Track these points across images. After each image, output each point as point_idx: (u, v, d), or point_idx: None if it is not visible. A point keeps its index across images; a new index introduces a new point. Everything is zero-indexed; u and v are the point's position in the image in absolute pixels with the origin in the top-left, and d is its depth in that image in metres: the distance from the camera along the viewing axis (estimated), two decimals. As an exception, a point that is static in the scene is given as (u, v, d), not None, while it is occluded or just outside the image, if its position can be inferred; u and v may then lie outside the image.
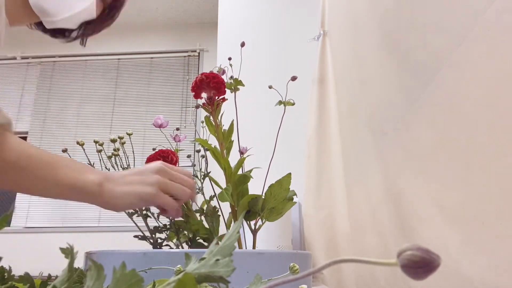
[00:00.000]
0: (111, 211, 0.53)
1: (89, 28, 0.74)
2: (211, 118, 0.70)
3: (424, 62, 0.55)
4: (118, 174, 0.53)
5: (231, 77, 0.74)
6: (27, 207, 2.98)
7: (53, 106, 3.26)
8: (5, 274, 0.40)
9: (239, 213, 0.68)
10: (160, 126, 0.76)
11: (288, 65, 1.64)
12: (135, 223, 0.70)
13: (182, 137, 0.78)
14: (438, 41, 0.52)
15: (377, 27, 0.74)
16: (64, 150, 0.74)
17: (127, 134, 0.76)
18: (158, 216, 0.74)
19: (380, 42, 0.72)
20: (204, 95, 0.69)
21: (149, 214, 0.73)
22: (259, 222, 0.69)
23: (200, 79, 0.66)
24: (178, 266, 0.33)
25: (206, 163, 0.78)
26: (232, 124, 0.71)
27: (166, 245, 0.72)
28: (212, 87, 0.67)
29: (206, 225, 0.73)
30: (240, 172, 0.69)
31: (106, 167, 0.72)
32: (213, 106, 0.68)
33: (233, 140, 0.71)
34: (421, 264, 0.18)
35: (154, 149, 0.74)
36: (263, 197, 0.67)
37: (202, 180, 0.77)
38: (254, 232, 0.69)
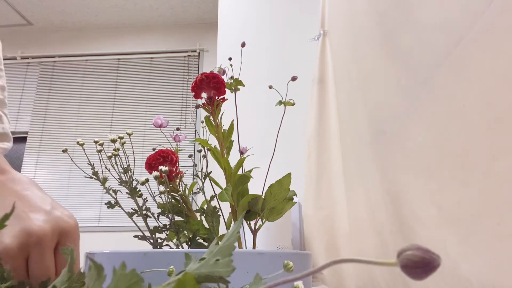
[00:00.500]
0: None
1: None
2: (211, 118, 0.70)
3: (423, 61, 0.55)
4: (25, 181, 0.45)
5: (231, 77, 0.74)
6: (27, 207, 2.98)
7: (53, 106, 3.26)
8: (5, 274, 0.40)
9: (239, 213, 0.68)
10: (160, 126, 0.76)
11: (288, 65, 1.64)
12: (135, 223, 0.70)
13: (182, 137, 0.78)
14: (437, 41, 0.52)
15: (376, 27, 0.74)
16: (64, 150, 0.74)
17: (127, 134, 0.76)
18: (158, 216, 0.74)
19: (379, 42, 0.72)
20: (204, 95, 0.69)
21: (149, 214, 0.73)
22: (259, 222, 0.69)
23: (200, 79, 0.66)
24: (171, 267, 0.33)
25: (207, 163, 0.78)
26: (232, 124, 0.71)
27: (166, 245, 0.72)
28: (212, 87, 0.67)
29: (206, 225, 0.73)
30: (240, 172, 0.69)
31: (106, 167, 0.72)
32: (213, 106, 0.68)
33: (233, 140, 0.71)
34: (421, 264, 0.18)
35: (154, 149, 0.74)
36: (263, 197, 0.67)
37: (203, 180, 0.77)
38: (254, 232, 0.69)
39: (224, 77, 0.71)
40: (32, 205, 0.42)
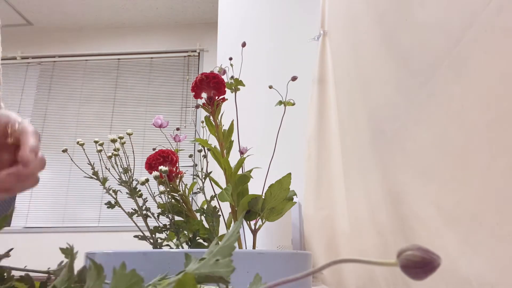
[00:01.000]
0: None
1: None
2: (211, 118, 0.70)
3: (422, 61, 0.55)
4: None
5: (232, 77, 0.74)
6: (27, 207, 2.98)
7: (53, 106, 3.26)
8: (5, 274, 0.40)
9: (239, 213, 0.68)
10: (160, 126, 0.76)
11: (288, 65, 1.64)
12: (135, 223, 0.70)
13: (182, 137, 0.78)
14: (436, 41, 0.52)
15: (376, 27, 0.74)
16: (64, 150, 0.74)
17: (127, 134, 0.76)
18: (158, 216, 0.74)
19: (379, 42, 0.72)
20: (204, 95, 0.69)
21: (149, 214, 0.73)
22: (259, 222, 0.69)
23: (200, 79, 0.66)
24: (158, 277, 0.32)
25: (207, 163, 0.78)
26: (232, 124, 0.71)
27: (166, 245, 0.72)
28: (212, 87, 0.67)
29: (206, 225, 0.73)
30: (240, 172, 0.69)
31: (106, 167, 0.72)
32: (213, 106, 0.68)
33: (233, 140, 0.71)
34: (421, 264, 0.18)
35: (154, 149, 0.74)
36: (263, 197, 0.67)
37: (203, 180, 0.77)
38: (254, 232, 0.69)
39: (224, 77, 0.71)
40: None
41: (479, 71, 0.43)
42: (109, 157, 0.71)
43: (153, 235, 0.72)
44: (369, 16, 0.79)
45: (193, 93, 0.68)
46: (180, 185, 0.72)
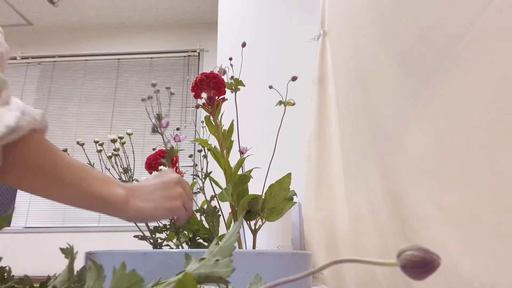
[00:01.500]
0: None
1: None
2: (211, 118, 0.70)
3: (423, 61, 0.55)
4: (143, 189, 0.54)
5: (232, 77, 0.74)
6: (27, 207, 2.99)
7: (53, 106, 3.26)
8: (5, 274, 0.40)
9: (239, 213, 0.68)
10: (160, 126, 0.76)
11: (288, 65, 1.64)
12: (135, 223, 0.70)
13: (182, 137, 0.78)
14: (437, 41, 0.52)
15: (376, 26, 0.74)
16: (64, 150, 0.73)
17: (127, 134, 0.76)
18: (158, 216, 0.74)
19: (379, 42, 0.72)
20: (204, 95, 0.69)
21: (149, 214, 0.73)
22: (259, 222, 0.69)
23: (200, 79, 0.66)
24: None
25: (207, 163, 0.78)
26: (232, 124, 0.71)
27: (166, 245, 0.72)
28: (212, 87, 0.67)
29: (206, 225, 0.73)
30: (240, 172, 0.69)
31: (106, 167, 0.72)
32: (213, 106, 0.68)
33: (233, 140, 0.71)
34: (421, 264, 0.18)
35: (154, 149, 0.74)
36: (263, 197, 0.67)
37: (203, 180, 0.77)
38: (254, 232, 0.69)
39: (224, 77, 0.71)
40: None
41: (480, 70, 0.43)
42: (109, 157, 0.71)
43: (153, 235, 0.72)
44: (369, 16, 0.78)
45: (193, 93, 0.68)
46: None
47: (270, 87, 0.78)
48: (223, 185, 0.69)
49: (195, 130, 2.73)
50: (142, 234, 0.71)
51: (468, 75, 0.45)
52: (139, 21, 3.43)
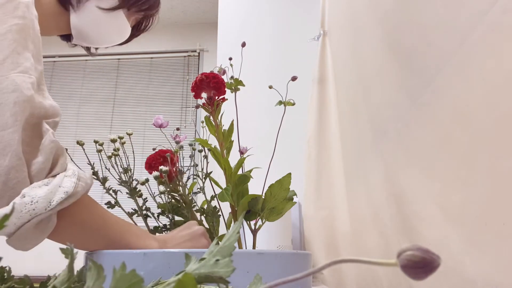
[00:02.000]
0: None
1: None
2: (211, 118, 0.70)
3: (426, 61, 0.55)
4: (173, 241, 0.60)
5: (231, 77, 0.74)
6: (27, 207, 2.98)
7: (53, 106, 3.25)
8: (5, 274, 0.40)
9: (239, 213, 0.68)
10: (160, 126, 0.76)
11: (288, 65, 1.64)
12: (135, 223, 0.70)
13: (182, 137, 0.78)
14: (440, 41, 0.52)
15: (377, 26, 0.74)
16: (64, 150, 0.73)
17: (127, 134, 0.76)
18: (158, 216, 0.74)
19: (381, 42, 0.72)
20: (204, 95, 0.69)
21: (149, 214, 0.73)
22: (259, 222, 0.69)
23: (200, 79, 0.66)
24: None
25: (207, 163, 0.78)
26: (232, 124, 0.71)
27: (166, 245, 0.72)
28: (212, 87, 0.67)
29: (206, 225, 0.73)
30: (240, 172, 0.69)
31: (106, 167, 0.72)
32: (213, 106, 0.68)
33: (233, 140, 0.71)
34: (421, 264, 0.18)
35: (154, 149, 0.74)
36: (263, 197, 0.67)
37: (203, 180, 0.77)
38: (254, 232, 0.69)
39: (224, 77, 0.71)
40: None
41: (484, 70, 0.42)
42: (109, 157, 0.71)
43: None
44: (370, 15, 0.78)
45: (193, 93, 0.68)
46: (180, 185, 0.72)
47: (270, 87, 0.78)
48: (223, 185, 0.69)
49: (195, 130, 2.73)
50: (142, 234, 0.71)
51: (472, 75, 0.44)
52: (139, 21, 3.43)
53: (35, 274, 0.62)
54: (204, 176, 0.76)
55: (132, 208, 0.73)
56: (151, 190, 0.74)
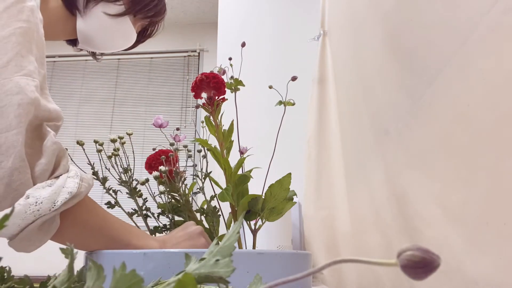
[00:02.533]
0: None
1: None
2: (211, 118, 0.70)
3: (427, 61, 0.55)
4: (172, 240, 0.61)
5: (231, 77, 0.74)
6: (27, 207, 2.98)
7: (53, 106, 3.25)
8: (5, 274, 0.40)
9: (239, 213, 0.68)
10: (160, 126, 0.76)
11: (288, 65, 1.64)
12: (135, 223, 0.70)
13: (182, 137, 0.78)
14: (441, 41, 0.52)
15: (378, 26, 0.74)
16: (64, 150, 0.73)
17: (127, 134, 0.76)
18: (158, 216, 0.74)
19: (381, 42, 0.72)
20: (204, 95, 0.69)
21: (149, 214, 0.73)
22: (259, 222, 0.69)
23: (200, 79, 0.66)
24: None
25: (206, 163, 0.78)
26: (232, 124, 0.71)
27: (166, 245, 0.72)
28: (212, 87, 0.67)
29: (206, 225, 0.73)
30: (240, 172, 0.69)
31: (106, 167, 0.72)
32: (213, 106, 0.68)
33: (233, 140, 0.71)
34: (421, 265, 0.18)
35: (154, 149, 0.74)
36: (263, 197, 0.67)
37: (203, 180, 0.77)
38: (254, 232, 0.69)
39: (224, 77, 0.71)
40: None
41: (485, 70, 0.42)
42: (109, 157, 0.71)
43: (153, 235, 0.72)
44: (370, 15, 0.78)
45: (193, 93, 0.68)
46: (181, 185, 0.72)
47: (270, 87, 0.78)
48: (223, 185, 0.69)
49: (195, 130, 2.73)
50: (142, 234, 0.71)
51: (473, 75, 0.44)
52: (139, 21, 3.43)
53: (35, 274, 0.62)
54: (203, 176, 0.76)
55: (132, 208, 0.73)
56: (151, 190, 0.74)
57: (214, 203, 0.74)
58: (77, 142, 0.70)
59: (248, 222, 0.69)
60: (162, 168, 0.67)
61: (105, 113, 3.34)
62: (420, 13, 0.57)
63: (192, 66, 3.42)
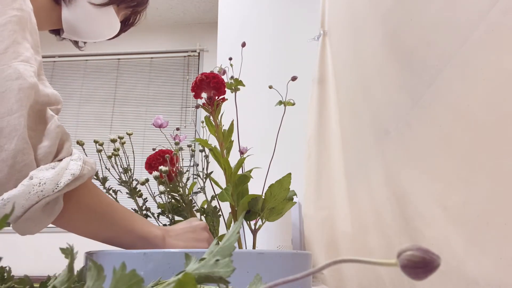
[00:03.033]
0: None
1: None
2: (211, 118, 0.70)
3: (427, 61, 0.55)
4: (175, 231, 0.62)
5: (232, 77, 0.74)
6: (27, 207, 2.98)
7: (53, 106, 3.25)
8: (5, 274, 0.40)
9: (239, 213, 0.68)
10: (160, 126, 0.76)
11: (288, 65, 1.64)
12: (135, 223, 0.70)
13: (182, 137, 0.78)
14: (441, 41, 0.52)
15: (378, 26, 0.74)
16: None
17: (127, 134, 0.76)
18: (158, 216, 0.74)
19: (381, 41, 0.72)
20: (204, 95, 0.69)
21: (149, 214, 0.73)
22: (259, 222, 0.69)
23: (200, 79, 0.66)
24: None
25: (207, 163, 0.78)
26: (232, 124, 0.71)
27: (166, 245, 0.72)
28: (212, 87, 0.67)
29: (206, 225, 0.73)
30: (240, 172, 0.69)
31: (106, 167, 0.72)
32: (213, 106, 0.68)
33: (233, 140, 0.71)
34: (421, 265, 0.18)
35: (154, 149, 0.74)
36: (263, 197, 0.67)
37: (204, 180, 0.77)
38: (254, 232, 0.69)
39: (224, 77, 0.71)
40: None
41: (486, 70, 0.42)
42: (109, 157, 0.71)
43: (153, 235, 0.72)
44: (370, 15, 0.78)
45: (193, 93, 0.68)
46: (181, 185, 0.72)
47: (270, 87, 0.78)
48: (223, 185, 0.69)
49: (195, 130, 2.73)
50: (142, 234, 0.71)
51: (473, 75, 0.44)
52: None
53: (35, 274, 0.62)
54: (204, 176, 0.76)
55: (132, 208, 0.73)
56: (151, 190, 0.74)
57: (214, 203, 0.74)
58: (77, 142, 0.70)
59: (248, 222, 0.69)
60: (162, 168, 0.67)
61: (105, 113, 3.34)
62: (420, 13, 0.57)
63: (192, 66, 3.42)
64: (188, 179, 0.73)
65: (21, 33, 0.51)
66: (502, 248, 0.39)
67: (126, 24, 0.84)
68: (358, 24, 0.89)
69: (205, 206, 0.74)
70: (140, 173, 0.73)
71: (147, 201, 0.74)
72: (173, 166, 0.72)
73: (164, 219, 0.74)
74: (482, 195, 0.42)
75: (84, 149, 0.69)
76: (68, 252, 0.28)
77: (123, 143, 0.73)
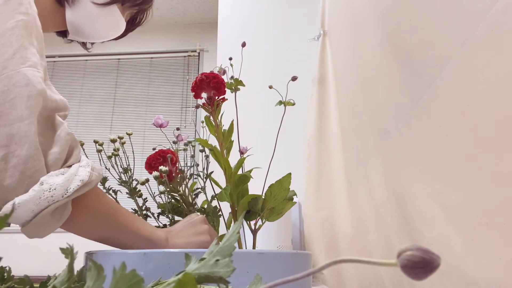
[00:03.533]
0: None
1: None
2: (211, 118, 0.70)
3: (427, 61, 0.55)
4: (175, 230, 0.64)
5: (232, 77, 0.74)
6: (27, 207, 2.98)
7: (53, 106, 3.25)
8: (5, 274, 0.40)
9: (239, 213, 0.68)
10: (160, 126, 0.76)
11: (288, 65, 1.64)
12: (135, 223, 0.70)
13: (185, 137, 0.78)
14: (441, 41, 0.52)
15: (378, 26, 0.74)
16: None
17: (127, 134, 0.76)
18: (158, 216, 0.74)
19: (381, 41, 0.72)
20: (204, 95, 0.69)
21: (149, 214, 0.73)
22: (259, 222, 0.69)
23: (200, 79, 0.66)
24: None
25: (208, 163, 0.78)
26: (232, 124, 0.71)
27: (166, 245, 0.72)
28: (212, 87, 0.67)
29: (206, 225, 0.73)
30: (240, 172, 0.69)
31: (106, 167, 0.72)
32: (213, 106, 0.68)
33: (233, 140, 0.71)
34: (421, 265, 0.18)
35: (154, 149, 0.74)
36: (263, 197, 0.67)
37: (204, 180, 0.77)
38: (254, 232, 0.69)
39: (224, 77, 0.71)
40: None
41: (485, 71, 0.42)
42: (109, 157, 0.71)
43: (153, 235, 0.72)
44: (370, 16, 0.78)
45: (193, 93, 0.68)
46: (183, 187, 0.72)
47: (270, 87, 0.78)
48: (223, 185, 0.69)
49: (195, 130, 2.73)
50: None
51: (473, 75, 0.44)
52: (139, 21, 3.43)
53: (35, 274, 0.62)
54: (205, 176, 0.76)
55: (132, 208, 0.73)
56: (151, 190, 0.74)
57: (214, 203, 0.74)
58: (77, 142, 0.70)
59: (248, 222, 0.69)
60: (162, 168, 0.67)
61: (105, 113, 3.34)
62: (420, 13, 0.57)
63: (192, 66, 3.42)
64: (189, 178, 0.73)
65: (28, 38, 0.51)
66: (502, 248, 0.39)
67: (132, 24, 0.84)
68: (358, 24, 0.89)
69: (205, 206, 0.74)
70: (140, 173, 0.73)
71: (147, 201, 0.74)
72: (173, 166, 0.72)
73: (164, 219, 0.74)
74: (482, 195, 0.42)
75: (84, 149, 0.69)
76: (68, 252, 0.28)
77: (123, 143, 0.73)
